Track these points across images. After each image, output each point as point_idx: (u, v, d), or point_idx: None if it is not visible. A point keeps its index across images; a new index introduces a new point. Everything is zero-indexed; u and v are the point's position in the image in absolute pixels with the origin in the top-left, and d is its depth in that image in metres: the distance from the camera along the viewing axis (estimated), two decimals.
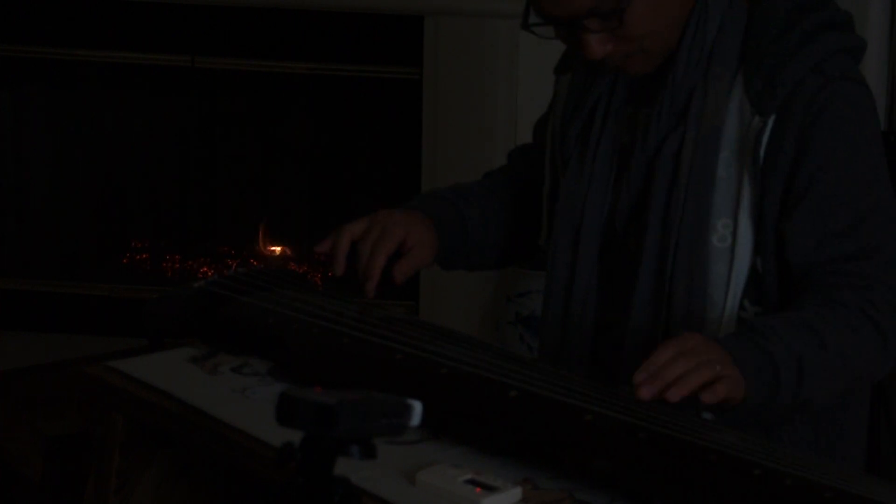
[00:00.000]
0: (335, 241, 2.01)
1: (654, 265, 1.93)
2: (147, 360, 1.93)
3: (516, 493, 1.53)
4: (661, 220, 1.93)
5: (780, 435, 1.90)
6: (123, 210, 4.45)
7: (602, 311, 2.01)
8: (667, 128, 1.94)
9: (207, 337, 1.98)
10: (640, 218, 1.97)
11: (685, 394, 1.65)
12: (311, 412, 1.29)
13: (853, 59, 1.93)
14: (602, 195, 2.00)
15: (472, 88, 3.94)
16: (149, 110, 4.38)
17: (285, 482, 1.33)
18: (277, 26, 4.10)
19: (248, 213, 4.44)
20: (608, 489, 1.56)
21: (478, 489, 1.52)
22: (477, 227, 2.14)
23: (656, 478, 1.54)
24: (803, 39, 1.88)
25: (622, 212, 1.99)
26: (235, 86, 4.28)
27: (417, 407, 1.36)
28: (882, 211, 1.88)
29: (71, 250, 4.46)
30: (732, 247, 1.88)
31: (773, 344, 1.76)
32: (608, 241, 2.01)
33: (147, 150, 4.40)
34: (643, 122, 1.96)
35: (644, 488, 1.54)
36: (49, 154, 4.43)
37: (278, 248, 4.39)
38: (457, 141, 3.96)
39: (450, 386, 1.71)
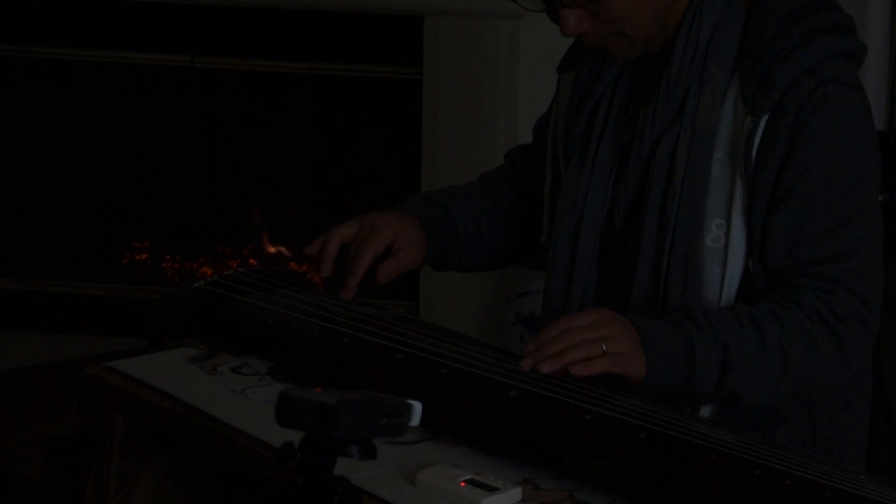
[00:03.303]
0: (324, 243, 2.01)
1: (650, 265, 1.93)
2: (147, 360, 1.93)
3: (516, 493, 1.53)
4: (657, 220, 1.93)
5: (778, 434, 1.90)
6: (123, 210, 4.45)
7: None
8: (662, 127, 1.94)
9: (207, 337, 1.98)
10: (638, 217, 1.97)
11: (556, 367, 1.71)
12: (311, 412, 1.29)
13: (851, 63, 1.92)
14: (602, 194, 2.00)
15: (472, 88, 3.94)
16: (149, 110, 4.38)
17: (285, 482, 1.33)
18: (277, 26, 4.10)
19: (249, 213, 4.44)
20: (608, 489, 1.56)
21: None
22: (468, 228, 2.14)
23: (656, 478, 1.54)
24: (800, 41, 1.87)
25: (621, 211, 1.99)
26: (235, 86, 4.29)
27: (417, 407, 1.36)
28: (860, 217, 1.87)
29: (71, 250, 4.46)
30: (726, 247, 1.88)
31: (700, 331, 1.78)
32: (608, 240, 2.01)
33: (147, 150, 4.40)
34: (641, 120, 1.96)
35: (644, 488, 1.54)
36: (49, 154, 4.43)
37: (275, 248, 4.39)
38: (457, 141, 3.96)
39: (450, 386, 1.71)
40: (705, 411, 1.87)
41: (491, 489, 1.52)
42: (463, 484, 1.53)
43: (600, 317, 1.77)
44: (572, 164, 2.05)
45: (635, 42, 1.91)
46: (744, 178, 1.87)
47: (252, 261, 4.36)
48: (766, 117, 1.86)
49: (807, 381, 1.85)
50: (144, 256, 4.45)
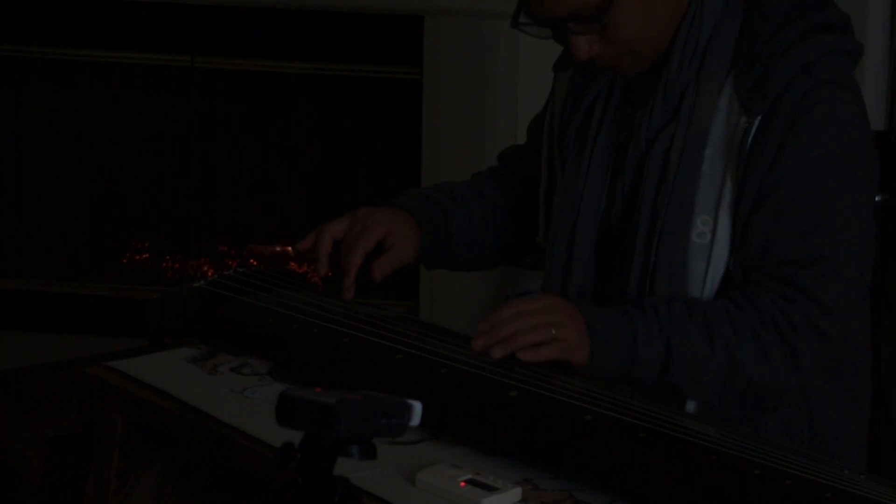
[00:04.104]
0: (317, 242, 2.01)
1: (641, 263, 1.93)
2: (147, 360, 1.93)
3: (516, 493, 1.53)
4: (649, 218, 1.93)
5: (775, 431, 1.90)
6: (123, 210, 4.45)
7: None
8: (658, 126, 1.94)
9: (207, 337, 1.98)
10: (633, 216, 1.97)
11: (506, 352, 1.75)
12: (311, 412, 1.29)
13: (847, 62, 1.92)
14: (598, 194, 2.01)
15: (472, 88, 3.94)
16: (149, 110, 4.38)
17: (285, 482, 1.33)
18: (277, 26, 4.10)
19: (249, 213, 4.44)
20: (608, 489, 1.56)
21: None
22: (462, 225, 2.14)
23: (656, 478, 1.54)
24: (796, 39, 1.87)
25: (617, 211, 1.99)
26: (235, 86, 4.29)
27: (417, 407, 1.36)
28: (838, 221, 1.86)
29: (71, 250, 4.46)
30: (711, 244, 1.88)
31: (645, 322, 1.81)
32: (604, 239, 2.01)
33: (147, 150, 4.40)
34: (638, 120, 1.96)
35: (644, 488, 1.54)
36: (49, 154, 4.43)
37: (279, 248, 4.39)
38: (457, 141, 3.96)
39: (450, 386, 1.71)
40: (690, 406, 1.87)
41: (491, 489, 1.52)
42: (463, 484, 1.53)
43: (550, 302, 1.81)
44: (568, 164, 2.05)
45: (645, 57, 1.92)
46: (735, 175, 1.87)
47: (252, 261, 4.36)
48: (760, 117, 1.86)
49: (754, 384, 1.85)
50: (144, 256, 4.45)
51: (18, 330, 4.35)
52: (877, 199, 1.97)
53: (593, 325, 1.80)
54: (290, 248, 4.38)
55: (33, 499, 2.16)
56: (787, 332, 1.83)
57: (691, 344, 1.81)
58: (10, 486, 2.27)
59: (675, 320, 1.82)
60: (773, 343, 1.83)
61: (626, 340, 1.81)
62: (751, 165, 1.86)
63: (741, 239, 1.87)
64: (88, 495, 1.95)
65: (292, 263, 4.30)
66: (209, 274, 4.03)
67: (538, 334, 1.76)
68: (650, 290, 1.91)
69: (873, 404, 2.07)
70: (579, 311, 1.81)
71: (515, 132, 3.89)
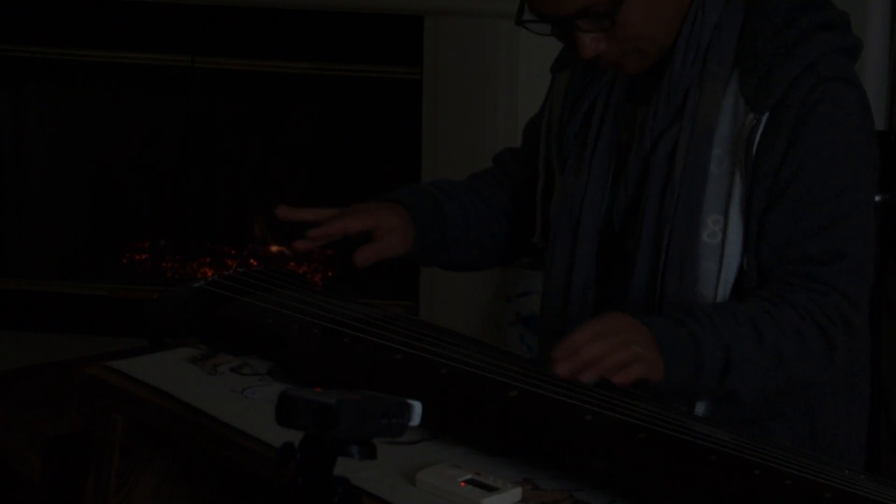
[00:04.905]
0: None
1: (647, 263, 1.93)
2: (147, 360, 1.93)
3: (516, 493, 1.53)
4: (655, 218, 1.93)
5: (777, 429, 1.90)
6: (123, 210, 4.45)
7: (600, 310, 2.00)
8: (663, 126, 1.94)
9: (207, 337, 1.98)
10: (636, 216, 1.97)
11: (598, 375, 1.70)
12: (311, 412, 1.29)
13: (849, 59, 1.93)
14: (600, 194, 2.00)
15: (472, 88, 3.94)
16: (149, 110, 4.38)
17: (285, 482, 1.33)
18: (277, 26, 4.10)
19: (249, 213, 4.44)
20: (608, 489, 1.56)
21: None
22: (457, 222, 2.13)
23: (656, 478, 1.54)
24: (799, 38, 1.88)
25: (620, 210, 1.99)
26: (235, 86, 4.29)
27: (417, 407, 1.36)
28: (854, 217, 1.87)
29: (71, 250, 4.46)
30: (722, 243, 1.88)
31: (704, 331, 1.79)
32: (606, 239, 2.01)
33: (147, 150, 4.40)
34: (640, 120, 1.96)
35: (644, 488, 1.54)
36: (49, 154, 4.43)
37: (276, 248, 4.39)
38: (457, 141, 3.96)
39: (450, 386, 1.71)
40: (700, 408, 1.87)
41: (491, 489, 1.52)
42: (463, 484, 1.53)
43: (621, 321, 1.76)
44: (569, 164, 2.05)
45: (649, 57, 1.92)
46: (744, 174, 1.87)
47: (252, 261, 4.36)
48: (767, 115, 1.87)
49: (793, 378, 1.85)
50: (144, 256, 4.45)
51: (18, 330, 4.35)
52: (877, 199, 1.97)
53: (662, 339, 1.77)
54: (286, 249, 4.38)
55: (33, 499, 2.16)
56: (825, 326, 1.84)
57: (746, 347, 1.80)
58: (10, 486, 2.27)
59: (726, 326, 1.80)
60: (814, 337, 1.84)
61: (692, 352, 1.78)
62: (760, 162, 1.86)
63: (758, 237, 1.87)
64: (88, 495, 1.95)
65: (292, 263, 4.30)
66: (209, 274, 4.03)
67: (623, 354, 1.72)
68: (660, 292, 1.91)
69: (873, 404, 2.07)
70: (646, 327, 1.77)
71: (515, 132, 3.87)
